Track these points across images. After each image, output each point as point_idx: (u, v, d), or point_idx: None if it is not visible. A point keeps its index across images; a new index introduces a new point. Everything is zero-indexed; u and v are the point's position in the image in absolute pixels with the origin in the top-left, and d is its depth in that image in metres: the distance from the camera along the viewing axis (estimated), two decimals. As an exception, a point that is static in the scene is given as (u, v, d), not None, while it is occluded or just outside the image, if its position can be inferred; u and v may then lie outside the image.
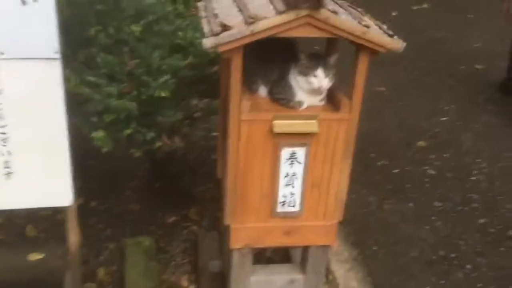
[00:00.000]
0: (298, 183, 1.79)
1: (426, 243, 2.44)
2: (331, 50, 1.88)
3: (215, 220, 2.52)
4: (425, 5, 5.66)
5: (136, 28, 2.07)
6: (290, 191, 1.80)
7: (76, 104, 1.86)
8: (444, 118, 3.49)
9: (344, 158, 1.78)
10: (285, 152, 1.73)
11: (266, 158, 1.73)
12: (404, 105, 3.67)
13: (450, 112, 3.57)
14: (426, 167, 3.00)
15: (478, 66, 4.24)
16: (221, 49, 1.51)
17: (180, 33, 2.30)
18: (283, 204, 1.82)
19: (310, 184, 1.80)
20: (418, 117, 3.52)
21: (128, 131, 1.92)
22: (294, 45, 1.85)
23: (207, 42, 1.49)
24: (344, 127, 1.73)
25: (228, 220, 1.82)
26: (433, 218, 2.62)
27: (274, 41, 1.56)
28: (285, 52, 1.74)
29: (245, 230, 1.84)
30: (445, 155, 3.10)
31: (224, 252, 2.14)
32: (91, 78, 1.92)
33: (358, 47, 1.61)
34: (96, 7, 2.18)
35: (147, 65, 2.04)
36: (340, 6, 1.72)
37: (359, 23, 1.57)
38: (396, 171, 2.96)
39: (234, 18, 1.58)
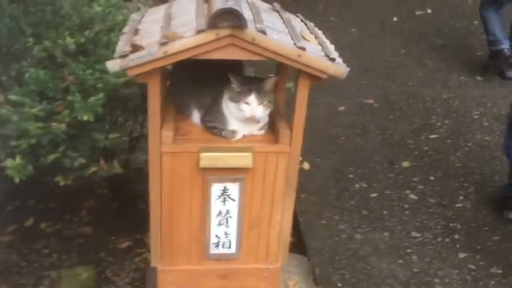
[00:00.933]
0: (233, 223, 1.58)
1: (396, 281, 2.21)
2: (282, 72, 1.66)
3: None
4: (429, 10, 5.38)
5: (70, 41, 1.87)
6: (224, 231, 1.59)
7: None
8: (434, 136, 3.24)
9: (287, 196, 1.57)
10: (216, 188, 1.52)
11: (194, 194, 1.52)
12: (392, 120, 3.42)
13: (441, 129, 3.32)
14: (408, 191, 2.76)
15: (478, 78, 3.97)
16: (131, 72, 1.30)
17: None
18: (217, 245, 1.61)
19: (248, 223, 1.59)
20: (406, 133, 3.27)
21: (52, 157, 1.72)
22: (238, 64, 1.64)
23: (112, 65, 1.28)
24: (284, 161, 1.51)
25: (154, 261, 1.62)
26: (408, 250, 2.38)
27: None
28: (222, 72, 1.52)
29: (174, 273, 1.64)
30: (430, 178, 2.86)
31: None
32: (13, 97, 1.73)
33: (298, 71, 1.39)
34: (33, 17, 2.00)
35: (81, 82, 1.84)
36: (283, 21, 1.50)
37: (295, 44, 1.35)
38: (374, 195, 2.72)
39: (151, 36, 1.37)
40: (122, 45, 1.34)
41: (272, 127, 1.57)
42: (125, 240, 2.47)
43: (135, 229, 2.48)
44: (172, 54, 1.28)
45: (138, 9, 2.31)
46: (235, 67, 1.58)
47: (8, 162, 1.62)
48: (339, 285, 2.19)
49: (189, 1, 1.57)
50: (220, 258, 1.62)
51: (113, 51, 2.04)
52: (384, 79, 3.98)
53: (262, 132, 1.56)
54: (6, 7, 2.00)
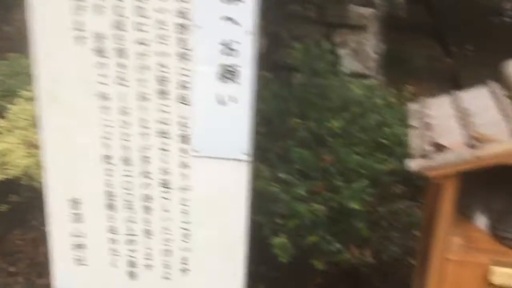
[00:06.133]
0: None
1: None
2: None
3: None
4: None
5: (336, 123, 1.90)
6: None
7: (263, 202, 1.75)
8: None
9: None
10: (505, 309, 1.31)
11: (477, 311, 1.34)
12: None
13: None
14: None
15: None
16: (432, 174, 1.22)
17: (386, 129, 2.07)
18: None
19: None
20: None
21: (312, 238, 1.72)
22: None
23: (414, 164, 1.22)
24: None
25: None
26: None
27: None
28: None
29: None
30: None
31: None
32: (282, 175, 1.79)
33: None
34: (300, 97, 2.10)
35: (343, 165, 1.84)
36: None
37: None
38: None
39: (451, 134, 1.28)
40: (419, 143, 1.28)
41: None
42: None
43: None
44: (484, 159, 1.16)
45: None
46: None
47: (276, 240, 1.65)
48: None
49: (482, 93, 1.46)
50: None
51: (368, 134, 2.05)
52: None
53: None
54: (277, 90, 2.14)
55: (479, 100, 1.43)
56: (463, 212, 1.48)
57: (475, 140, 1.18)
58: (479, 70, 3.18)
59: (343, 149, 1.88)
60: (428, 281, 1.35)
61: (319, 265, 1.73)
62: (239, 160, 1.46)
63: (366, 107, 2.16)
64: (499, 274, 1.28)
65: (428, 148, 1.23)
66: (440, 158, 1.19)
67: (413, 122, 1.44)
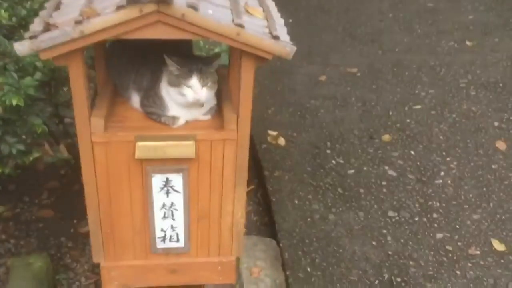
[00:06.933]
0: (179, 215, 1.45)
1: (369, 264, 2.10)
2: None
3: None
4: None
5: (4, 14, 1.70)
6: (170, 224, 1.46)
7: None
8: (418, 106, 3.09)
9: (237, 185, 1.43)
10: (157, 180, 1.38)
11: (134, 186, 1.39)
12: (375, 90, 3.26)
13: (426, 99, 3.16)
14: (386, 167, 2.62)
15: (468, 43, 3.78)
16: (43, 56, 1.14)
17: None
18: (163, 239, 1.48)
19: (196, 216, 1.46)
20: (389, 104, 3.11)
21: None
22: (185, 41, 1.47)
23: (21, 48, 1.12)
24: (231, 148, 1.37)
25: (96, 257, 1.50)
26: (383, 231, 2.26)
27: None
28: (163, 50, 1.35)
29: (119, 269, 1.52)
30: (411, 152, 2.72)
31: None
32: None
33: (240, 51, 1.23)
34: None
35: (17, 60, 1.68)
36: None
37: (233, 20, 1.19)
38: (351, 172, 2.59)
39: (69, 13, 1.20)
40: (36, 24, 1.18)
41: (219, 110, 1.42)
42: (86, 224, 2.35)
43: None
44: (90, 34, 1.12)
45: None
46: (180, 44, 1.41)
47: None
48: (308, 270, 2.09)
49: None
50: (168, 252, 1.50)
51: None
52: (369, 46, 3.79)
53: (208, 117, 1.41)
54: None
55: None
56: (123, 95, 1.48)
57: (83, 16, 1.12)
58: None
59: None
60: (82, 166, 1.34)
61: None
62: None
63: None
64: (143, 148, 1.31)
65: (38, 28, 1.14)
66: (46, 38, 1.11)
67: (47, 3, 1.32)
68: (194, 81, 1.29)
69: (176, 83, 1.30)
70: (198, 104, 1.34)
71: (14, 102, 1.47)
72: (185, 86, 1.30)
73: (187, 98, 1.31)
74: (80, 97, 1.24)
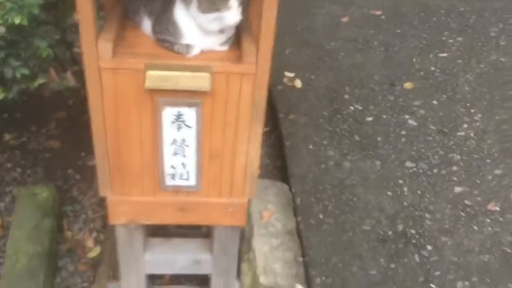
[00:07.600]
0: (190, 152, 1.37)
1: (383, 214, 2.04)
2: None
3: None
4: None
5: None
6: (181, 161, 1.38)
7: None
8: (444, 54, 2.93)
9: (253, 123, 1.34)
10: (168, 113, 1.29)
11: (144, 118, 1.30)
12: (400, 35, 3.09)
13: (453, 47, 2.99)
14: (407, 116, 2.51)
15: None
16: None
17: None
18: (173, 177, 1.41)
19: (208, 154, 1.38)
20: (413, 50, 2.96)
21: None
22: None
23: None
24: (249, 83, 1.26)
25: (102, 190, 1.44)
26: (400, 182, 2.18)
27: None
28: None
29: (127, 204, 1.46)
30: (433, 102, 2.60)
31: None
32: None
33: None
34: None
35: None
36: None
37: None
38: (369, 119, 2.48)
39: None
40: None
41: (237, 42, 1.30)
42: (95, 157, 2.30)
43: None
44: None
45: None
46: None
47: None
48: (320, 216, 2.03)
49: None
50: (178, 190, 1.43)
51: None
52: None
53: (226, 47, 1.29)
54: None
55: None
56: (133, 19, 1.36)
57: None
58: None
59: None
60: (88, 94, 1.25)
61: (1, 94, 1.52)
62: None
63: None
64: (153, 77, 1.21)
65: None
66: None
67: None
68: (233, 0, 1.16)
69: (212, 7, 1.16)
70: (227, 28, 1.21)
71: (17, 21, 1.36)
72: (225, 8, 1.16)
73: (226, 21, 1.17)
74: (87, 17, 1.13)
